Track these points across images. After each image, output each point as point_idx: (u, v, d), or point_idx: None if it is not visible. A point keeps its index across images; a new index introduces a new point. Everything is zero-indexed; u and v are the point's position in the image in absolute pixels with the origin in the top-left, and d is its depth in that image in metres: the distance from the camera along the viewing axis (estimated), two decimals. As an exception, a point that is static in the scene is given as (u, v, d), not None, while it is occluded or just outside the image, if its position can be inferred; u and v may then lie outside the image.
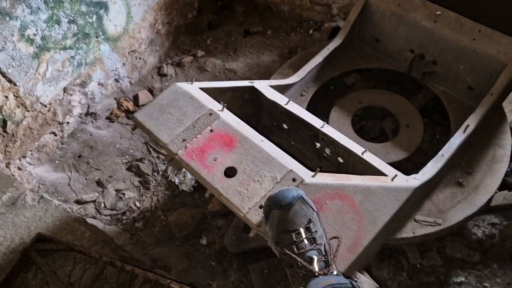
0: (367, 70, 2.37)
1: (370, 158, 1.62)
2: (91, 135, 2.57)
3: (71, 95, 2.39)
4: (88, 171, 2.45)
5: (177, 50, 3.03)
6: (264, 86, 1.88)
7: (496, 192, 1.85)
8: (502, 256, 1.98)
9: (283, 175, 1.34)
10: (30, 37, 2.04)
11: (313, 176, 1.37)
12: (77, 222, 1.94)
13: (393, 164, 1.73)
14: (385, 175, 1.54)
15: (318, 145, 1.84)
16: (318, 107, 2.27)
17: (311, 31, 2.97)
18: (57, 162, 2.45)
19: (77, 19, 2.23)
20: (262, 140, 1.46)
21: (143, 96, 2.76)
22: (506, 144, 1.87)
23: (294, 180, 1.33)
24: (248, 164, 1.37)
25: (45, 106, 2.27)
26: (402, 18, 2.03)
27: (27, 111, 2.18)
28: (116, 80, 2.66)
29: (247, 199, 1.30)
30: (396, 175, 1.53)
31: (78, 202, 2.32)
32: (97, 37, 2.38)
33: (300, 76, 2.07)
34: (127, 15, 2.52)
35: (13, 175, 2.16)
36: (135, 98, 2.75)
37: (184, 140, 1.44)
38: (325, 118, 2.01)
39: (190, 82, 1.70)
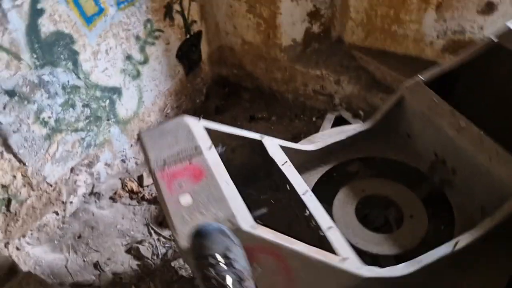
0: (370, 159, 2.41)
1: (333, 234, 1.60)
2: (93, 215, 2.56)
3: (77, 175, 2.42)
4: (86, 253, 2.41)
5: (184, 132, 3.11)
6: (272, 143, 1.94)
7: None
8: None
9: (225, 216, 1.40)
10: (45, 119, 2.12)
11: (252, 227, 1.40)
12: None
13: (398, 256, 1.69)
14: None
15: (306, 212, 1.83)
16: (323, 193, 2.28)
17: (314, 119, 3.08)
18: (56, 242, 2.42)
19: (91, 103, 2.33)
20: (227, 183, 1.55)
21: (148, 177, 2.79)
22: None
23: (230, 222, 1.38)
24: (203, 198, 1.46)
25: (51, 186, 2.29)
26: (430, 120, 2.01)
27: (32, 190, 2.20)
28: (123, 161, 2.71)
29: (185, 225, 1.37)
30: (348, 258, 1.50)
31: (73, 285, 2.25)
32: (108, 120, 2.48)
33: (317, 147, 2.11)
34: (138, 100, 2.64)
35: (11, 256, 2.12)
36: (140, 179, 2.77)
37: (164, 162, 1.59)
38: (328, 204, 2.02)
39: (198, 119, 1.83)
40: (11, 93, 1.92)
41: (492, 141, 1.79)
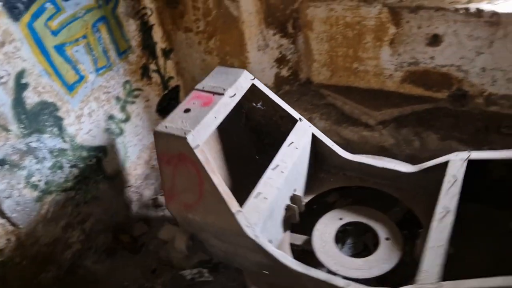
0: (346, 188, 2.55)
1: None
2: (87, 269, 2.66)
3: (71, 231, 2.54)
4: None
5: (171, 181, 3.26)
6: None
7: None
8: None
9: (188, 128, 2.01)
10: (35, 183, 2.27)
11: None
12: None
13: (378, 278, 1.79)
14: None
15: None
16: (303, 226, 2.40)
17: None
18: (55, 298, 2.50)
19: (78, 163, 2.49)
20: (216, 118, 2.11)
21: (139, 228, 2.91)
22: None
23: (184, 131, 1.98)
24: (192, 116, 2.08)
25: (46, 245, 2.40)
26: None
27: (25, 252, 2.31)
28: (111, 216, 2.83)
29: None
30: None
31: None
32: (97, 176, 2.62)
33: None
34: (124, 156, 2.80)
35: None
36: (131, 230, 2.89)
37: (203, 87, 2.31)
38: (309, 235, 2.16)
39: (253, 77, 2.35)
40: (1, 162, 2.08)
41: None
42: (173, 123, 2.02)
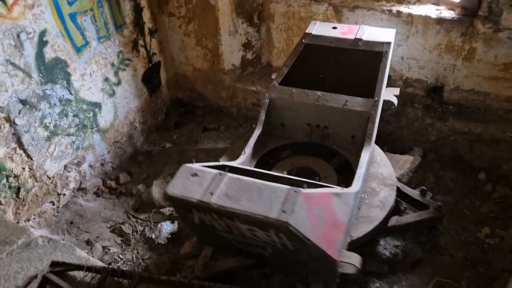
0: (297, 145, 3.22)
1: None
2: (81, 206, 3.15)
3: (69, 172, 3.04)
4: (78, 234, 2.98)
5: (150, 143, 3.81)
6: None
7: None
8: (405, 267, 2.67)
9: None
10: (47, 124, 2.77)
11: None
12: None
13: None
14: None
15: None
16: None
17: (254, 125, 3.89)
18: (53, 227, 2.98)
19: (79, 114, 3.01)
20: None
21: (123, 177, 3.43)
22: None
23: None
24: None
25: (50, 179, 2.89)
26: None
27: (36, 181, 2.79)
28: (102, 164, 3.35)
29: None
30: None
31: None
32: (92, 128, 3.14)
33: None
34: (114, 114, 3.34)
35: (20, 233, 2.66)
36: (117, 179, 3.41)
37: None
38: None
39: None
40: (24, 102, 2.58)
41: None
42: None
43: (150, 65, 3.65)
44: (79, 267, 2.20)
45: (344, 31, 2.96)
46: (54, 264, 2.23)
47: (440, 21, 3.11)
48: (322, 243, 1.90)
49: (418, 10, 3.20)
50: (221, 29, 3.55)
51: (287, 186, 1.94)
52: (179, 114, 4.08)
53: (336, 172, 2.99)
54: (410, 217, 2.82)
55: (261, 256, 2.37)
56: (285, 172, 2.97)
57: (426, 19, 3.15)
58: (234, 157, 2.85)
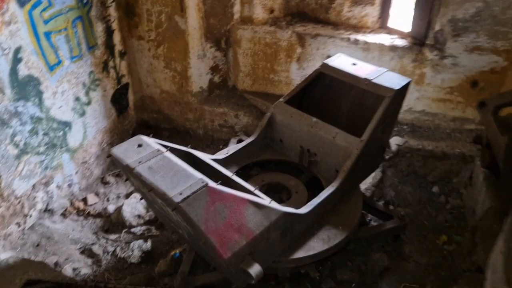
0: (264, 162, 3.35)
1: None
2: (48, 228, 3.04)
3: (36, 192, 2.95)
4: (46, 256, 2.87)
5: (116, 165, 3.77)
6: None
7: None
8: (374, 274, 2.83)
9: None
10: (17, 142, 2.70)
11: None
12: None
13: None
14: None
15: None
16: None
17: (221, 146, 3.99)
18: (18, 249, 2.84)
19: (49, 132, 2.96)
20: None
21: (91, 198, 3.37)
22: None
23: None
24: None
25: (17, 199, 2.79)
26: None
27: (3, 201, 2.69)
28: (69, 185, 3.28)
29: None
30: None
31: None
32: (61, 148, 3.09)
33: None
34: (83, 134, 3.30)
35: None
36: (84, 200, 3.34)
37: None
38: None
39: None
40: (-4, 119, 2.52)
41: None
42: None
43: (119, 86, 3.67)
44: (58, 284, 2.15)
45: (361, 69, 2.99)
46: (30, 282, 2.16)
47: (393, 48, 3.44)
48: (213, 237, 2.06)
49: (373, 38, 3.52)
50: (191, 52, 3.67)
51: (201, 176, 2.12)
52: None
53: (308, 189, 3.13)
54: (376, 227, 3.02)
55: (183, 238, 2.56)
56: (257, 188, 3.08)
57: (380, 46, 3.47)
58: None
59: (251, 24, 3.74)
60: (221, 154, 3.15)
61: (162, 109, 4.09)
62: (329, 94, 3.23)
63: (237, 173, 3.15)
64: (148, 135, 4.13)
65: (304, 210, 2.56)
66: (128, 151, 2.34)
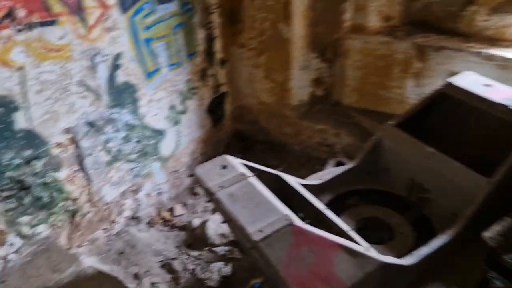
0: (364, 191, 2.93)
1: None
2: (133, 236, 3.01)
3: (125, 199, 2.93)
4: (127, 266, 2.82)
5: (207, 176, 3.66)
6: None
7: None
8: None
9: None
10: (109, 149, 2.68)
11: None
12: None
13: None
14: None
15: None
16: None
17: (316, 167, 3.65)
18: (103, 255, 2.84)
19: (142, 140, 2.92)
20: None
21: (179, 209, 3.28)
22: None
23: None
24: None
25: (106, 205, 2.78)
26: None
27: (93, 206, 2.69)
28: (159, 194, 3.22)
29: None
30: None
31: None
32: (153, 156, 3.04)
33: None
34: (176, 143, 3.23)
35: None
36: (171, 210, 3.26)
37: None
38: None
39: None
40: (91, 125, 2.51)
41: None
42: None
43: (216, 95, 3.55)
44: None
45: (496, 91, 2.49)
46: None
47: (541, 67, 2.78)
48: (294, 285, 1.74)
49: (514, 54, 2.89)
50: (293, 63, 3.40)
51: (286, 212, 1.85)
52: (239, 149, 3.92)
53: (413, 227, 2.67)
54: None
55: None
56: (353, 228, 2.69)
57: (524, 64, 2.83)
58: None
59: (363, 33, 3.34)
60: (315, 179, 2.83)
61: (258, 121, 3.88)
62: (451, 119, 2.70)
63: (331, 201, 2.82)
64: (242, 147, 3.99)
65: (409, 260, 2.10)
66: (211, 172, 2.18)
